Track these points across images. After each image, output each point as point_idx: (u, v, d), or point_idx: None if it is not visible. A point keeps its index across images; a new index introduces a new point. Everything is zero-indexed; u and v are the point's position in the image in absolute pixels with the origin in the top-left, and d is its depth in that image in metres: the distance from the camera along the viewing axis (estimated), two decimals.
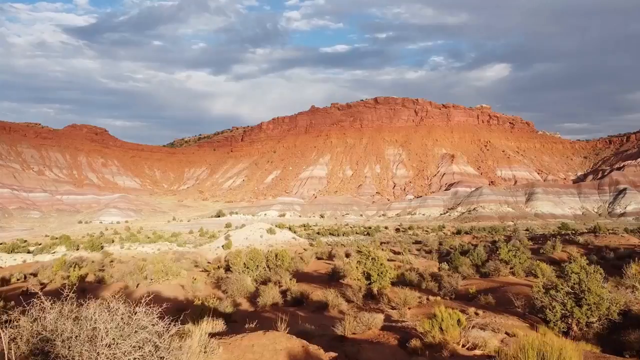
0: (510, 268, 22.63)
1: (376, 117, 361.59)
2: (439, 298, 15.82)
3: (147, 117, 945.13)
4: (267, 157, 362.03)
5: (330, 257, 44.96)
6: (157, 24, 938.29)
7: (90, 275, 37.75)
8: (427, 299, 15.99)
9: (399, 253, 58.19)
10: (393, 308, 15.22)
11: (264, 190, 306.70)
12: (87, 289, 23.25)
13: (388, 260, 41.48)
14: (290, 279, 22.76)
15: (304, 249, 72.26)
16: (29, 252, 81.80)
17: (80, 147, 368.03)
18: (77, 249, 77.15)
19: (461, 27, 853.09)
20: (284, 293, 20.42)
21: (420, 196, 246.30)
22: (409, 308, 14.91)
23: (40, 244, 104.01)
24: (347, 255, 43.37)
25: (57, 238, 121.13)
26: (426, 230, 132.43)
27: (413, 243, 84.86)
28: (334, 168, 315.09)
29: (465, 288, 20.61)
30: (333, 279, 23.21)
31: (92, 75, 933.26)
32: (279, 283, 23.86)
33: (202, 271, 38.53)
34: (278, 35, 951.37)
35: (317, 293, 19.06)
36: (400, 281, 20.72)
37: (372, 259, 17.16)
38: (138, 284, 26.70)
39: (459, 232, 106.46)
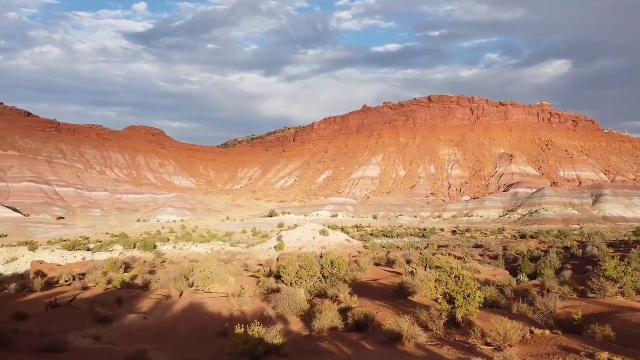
0: (620, 287, 18.48)
1: (430, 116, 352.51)
2: (547, 332, 12.20)
3: (201, 119, 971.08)
4: (319, 157, 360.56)
5: (389, 263, 41.44)
6: (211, 27, 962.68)
7: (140, 277, 36.21)
8: (531, 332, 12.41)
9: (460, 258, 53.91)
10: (488, 344, 11.78)
11: (316, 190, 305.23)
12: (123, 299, 21.07)
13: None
14: (351, 295, 19.58)
15: (359, 252, 69.03)
16: (88, 249, 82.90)
17: (139, 148, 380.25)
18: (134, 247, 77.33)
19: (517, 23, 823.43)
20: (343, 312, 17.30)
21: (478, 197, 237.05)
22: (511, 345, 11.44)
23: (100, 242, 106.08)
24: (409, 262, 39.77)
25: (116, 236, 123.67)
26: (485, 233, 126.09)
27: (474, 247, 79.78)
28: (387, 168, 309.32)
29: (565, 312, 16.74)
30: (400, 295, 19.83)
31: (150, 79, 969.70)
32: (337, 298, 20.75)
33: (252, 276, 36.11)
34: (329, 36, 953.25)
35: (385, 316, 15.81)
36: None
37: (455, 277, 13.72)
38: (181, 293, 24.42)
39: (523, 237, 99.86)
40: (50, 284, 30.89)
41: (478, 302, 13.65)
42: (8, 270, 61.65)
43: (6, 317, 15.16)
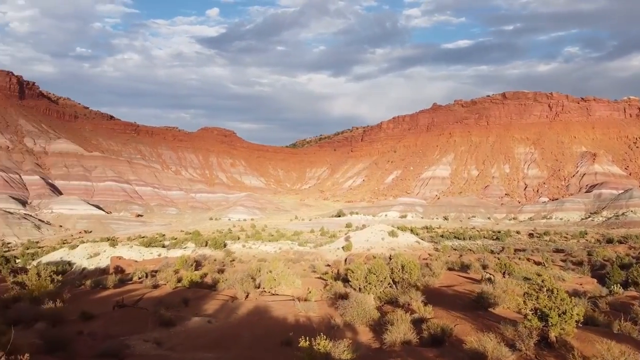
0: None
1: (504, 114, 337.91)
2: None
3: (270, 120, 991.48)
4: (387, 157, 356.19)
5: (463, 267, 39.15)
6: (280, 30, 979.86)
7: (209, 275, 36.47)
8: None
9: (539, 263, 50.33)
10: None
11: (384, 190, 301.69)
12: (189, 300, 20.79)
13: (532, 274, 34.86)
14: (424, 304, 18.10)
15: (429, 254, 66.58)
16: (163, 246, 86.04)
17: (211, 149, 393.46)
18: (205, 245, 79.22)
19: (599, 14, 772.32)
20: (416, 323, 15.90)
21: (557, 198, 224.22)
22: None
23: (175, 239, 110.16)
24: (484, 267, 37.35)
25: (189, 234, 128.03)
26: (565, 237, 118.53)
27: (554, 251, 74.78)
28: (458, 168, 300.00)
29: None
30: (480, 305, 18.08)
31: (222, 81, 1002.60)
32: (409, 306, 19.33)
33: (319, 278, 35.28)
34: (397, 34, 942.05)
35: (464, 330, 14.26)
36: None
37: (548, 290, 11.98)
38: (247, 295, 23.93)
39: (610, 241, 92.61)
40: (123, 281, 31.58)
41: (576, 321, 11.83)
42: (91, 264, 64.66)
43: (74, 316, 15.12)
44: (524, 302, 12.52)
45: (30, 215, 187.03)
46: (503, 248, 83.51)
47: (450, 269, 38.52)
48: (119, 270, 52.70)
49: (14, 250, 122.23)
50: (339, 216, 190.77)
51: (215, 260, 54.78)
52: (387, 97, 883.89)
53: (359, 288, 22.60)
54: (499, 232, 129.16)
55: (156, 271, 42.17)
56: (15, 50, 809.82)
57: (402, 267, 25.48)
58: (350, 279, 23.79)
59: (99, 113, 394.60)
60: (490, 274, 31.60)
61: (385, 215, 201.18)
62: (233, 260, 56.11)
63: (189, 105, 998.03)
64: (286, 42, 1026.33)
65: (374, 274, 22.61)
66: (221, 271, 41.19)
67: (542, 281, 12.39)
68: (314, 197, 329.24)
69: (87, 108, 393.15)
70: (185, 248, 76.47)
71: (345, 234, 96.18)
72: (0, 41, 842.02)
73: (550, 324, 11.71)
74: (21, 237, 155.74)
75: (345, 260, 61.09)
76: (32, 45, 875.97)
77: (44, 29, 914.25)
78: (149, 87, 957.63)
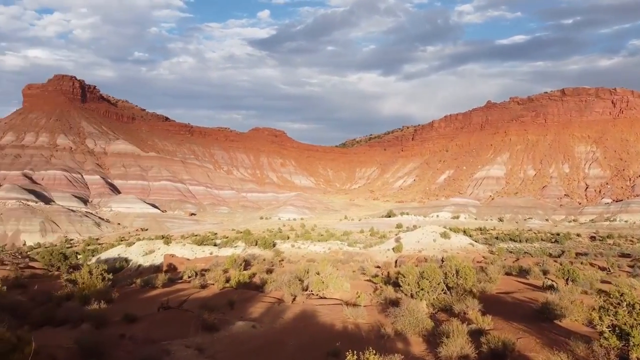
0: None
1: (563, 111, 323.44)
2: None
3: (320, 120, 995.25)
4: (439, 156, 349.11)
5: (522, 272, 37.05)
6: (330, 30, 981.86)
7: (258, 275, 36.25)
8: None
9: (604, 269, 47.10)
10: None
11: (436, 190, 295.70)
12: (235, 302, 20.32)
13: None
14: (482, 313, 16.82)
15: (484, 257, 64.02)
16: (215, 245, 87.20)
17: (262, 149, 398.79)
18: (255, 244, 79.65)
19: None
20: (473, 335, 14.68)
21: (621, 200, 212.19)
22: None
23: (226, 237, 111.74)
24: (545, 273, 35.15)
25: (240, 232, 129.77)
26: (631, 240, 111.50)
27: (619, 256, 70.14)
28: (514, 167, 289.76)
29: None
30: (544, 316, 16.59)
31: (272, 82, 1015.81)
32: (465, 315, 18.06)
33: (368, 280, 34.27)
34: (449, 31, 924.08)
35: (528, 345, 12.95)
36: None
37: (628, 305, 10.55)
38: (294, 298, 23.29)
39: None
40: (172, 280, 31.72)
41: None
42: (147, 261, 66.21)
43: (118, 317, 14.91)
44: (600, 317, 11.12)
45: (91, 213, 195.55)
46: (563, 252, 79.23)
47: (507, 274, 36.55)
48: (171, 267, 53.62)
49: (76, 246, 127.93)
50: (389, 216, 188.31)
51: (264, 260, 54.75)
52: (439, 95, 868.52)
53: (411, 294, 21.47)
54: (558, 234, 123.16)
55: (206, 270, 42.47)
56: (79, 56, 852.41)
57: (457, 272, 24.11)
58: (401, 284, 22.68)
59: (155, 115, 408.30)
60: (552, 281, 29.59)
61: (437, 216, 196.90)
62: (282, 260, 55.88)
63: (241, 106, 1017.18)
64: (336, 42, 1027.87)
65: (427, 279, 21.42)
66: (270, 271, 40.90)
67: (621, 294, 10.96)
68: (363, 197, 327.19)
69: (144, 110, 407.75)
70: (235, 247, 77.07)
71: (396, 234, 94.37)
72: (65, 47, 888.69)
73: (632, 344, 10.29)
74: (82, 233, 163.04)
75: (396, 262, 59.65)
76: (93, 51, 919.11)
77: (104, 35, 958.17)
78: (202, 89, 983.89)
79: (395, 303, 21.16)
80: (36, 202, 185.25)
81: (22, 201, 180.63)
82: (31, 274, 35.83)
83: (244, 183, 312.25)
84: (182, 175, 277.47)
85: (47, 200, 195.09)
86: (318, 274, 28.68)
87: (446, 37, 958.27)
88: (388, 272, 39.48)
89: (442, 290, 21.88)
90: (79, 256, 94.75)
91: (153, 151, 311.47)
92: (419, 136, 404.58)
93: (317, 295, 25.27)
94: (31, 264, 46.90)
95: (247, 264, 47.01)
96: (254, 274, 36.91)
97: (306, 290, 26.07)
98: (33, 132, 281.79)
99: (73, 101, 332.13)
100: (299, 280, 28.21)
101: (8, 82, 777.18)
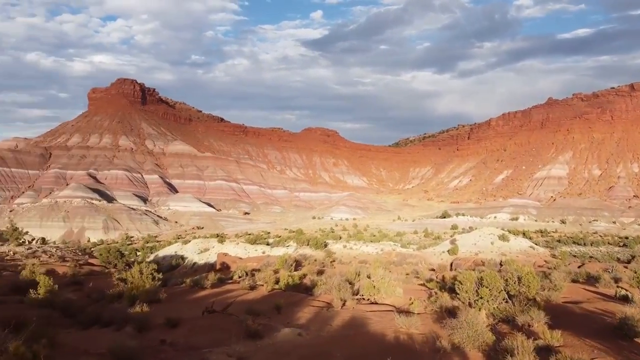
0: None
1: (632, 107, 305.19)
2: None
3: (373, 119, 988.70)
4: (497, 156, 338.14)
5: (589, 278, 34.36)
6: (383, 28, 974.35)
7: (308, 277, 35.64)
8: None
9: None
10: None
11: (493, 191, 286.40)
12: (282, 307, 19.61)
13: None
14: (549, 326, 15.26)
15: (545, 261, 60.73)
16: (267, 244, 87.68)
17: (314, 149, 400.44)
18: (307, 244, 79.39)
19: None
20: (540, 352, 13.22)
21: None
22: None
23: (279, 237, 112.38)
24: (616, 280, 32.41)
25: (293, 232, 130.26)
26: None
27: None
28: (577, 167, 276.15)
29: None
30: (622, 333, 14.81)
31: (325, 82, 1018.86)
32: (529, 328, 16.51)
33: (421, 285, 32.83)
34: (507, 26, 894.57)
35: None
36: None
37: None
38: (344, 302, 22.32)
39: None
40: (222, 280, 31.54)
41: None
42: (201, 259, 67.32)
43: (160, 320, 14.49)
44: None
45: (150, 212, 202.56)
46: (633, 257, 73.95)
47: (573, 281, 34.00)
48: (224, 266, 54.07)
49: (135, 243, 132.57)
50: (444, 217, 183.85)
51: (315, 260, 54.07)
52: (496, 92, 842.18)
53: (469, 302, 20.02)
54: (627, 238, 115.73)
55: (257, 270, 42.30)
56: (140, 61, 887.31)
57: (519, 279, 22.35)
58: (458, 291, 21.23)
59: (210, 116, 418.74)
60: (625, 290, 27.10)
61: (494, 217, 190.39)
62: (333, 261, 55.06)
63: (294, 107, 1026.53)
64: (389, 41, 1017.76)
65: (487, 287, 19.89)
66: (320, 272, 40.17)
67: None
68: (417, 197, 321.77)
69: (200, 111, 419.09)
70: (287, 246, 77.02)
71: (451, 236, 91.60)
72: (127, 53, 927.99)
73: None
74: (142, 231, 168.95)
75: (451, 265, 57.55)
76: (153, 55, 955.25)
77: (163, 40, 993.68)
78: (256, 90, 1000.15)
79: (451, 311, 19.78)
80: (100, 201, 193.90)
81: (87, 200, 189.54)
82: (89, 271, 36.78)
83: (297, 183, 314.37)
84: (236, 174, 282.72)
85: (110, 199, 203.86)
86: (369, 277, 27.63)
87: (504, 32, 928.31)
88: (443, 276, 37.81)
89: (503, 299, 20.27)
90: (138, 253, 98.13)
91: (209, 151, 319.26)
92: (475, 135, 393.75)
93: (367, 300, 24.22)
94: (90, 260, 48.46)
95: (298, 264, 46.53)
96: (304, 275, 36.30)
97: (356, 294, 25.06)
98: (97, 133, 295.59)
99: (134, 104, 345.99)
100: (350, 283, 27.26)
101: (76, 86, 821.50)
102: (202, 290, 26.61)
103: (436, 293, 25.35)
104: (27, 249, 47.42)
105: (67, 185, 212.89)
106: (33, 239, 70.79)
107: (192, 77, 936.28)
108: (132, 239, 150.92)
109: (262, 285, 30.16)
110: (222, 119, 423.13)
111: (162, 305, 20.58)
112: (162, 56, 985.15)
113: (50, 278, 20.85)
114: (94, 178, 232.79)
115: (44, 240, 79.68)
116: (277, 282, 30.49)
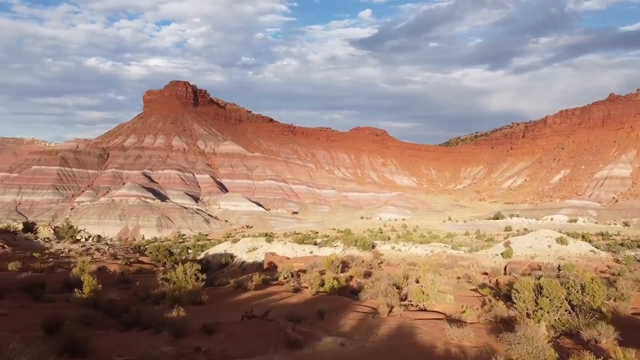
0: None
1: None
2: None
3: (422, 118, 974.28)
4: (553, 155, 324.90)
5: None
6: (433, 25, 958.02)
7: (355, 279, 34.78)
8: None
9: None
10: None
11: (549, 191, 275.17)
12: (325, 313, 18.77)
13: None
14: (620, 345, 13.66)
15: (608, 267, 57.05)
16: (315, 244, 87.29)
17: (362, 148, 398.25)
18: (355, 244, 78.43)
19: None
20: None
21: None
22: None
23: (327, 237, 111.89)
24: None
25: (341, 232, 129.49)
26: None
27: None
28: None
29: None
30: None
31: (374, 81, 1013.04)
32: (596, 344, 14.92)
33: (474, 290, 31.17)
34: (565, 20, 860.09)
35: None
36: None
37: None
38: (391, 309, 21.24)
39: None
40: (267, 281, 31.07)
41: None
42: (250, 258, 67.65)
43: (198, 325, 13.98)
44: None
45: (201, 210, 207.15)
46: None
47: None
48: (271, 266, 53.95)
49: (187, 241, 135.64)
50: (497, 218, 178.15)
51: (362, 262, 53.02)
52: (552, 89, 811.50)
53: (527, 313, 18.50)
54: None
55: (303, 271, 41.72)
56: (192, 63, 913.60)
57: (582, 287, 20.53)
58: (514, 300, 19.70)
59: (260, 116, 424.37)
60: None
61: (551, 219, 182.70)
62: (381, 263, 53.87)
63: (342, 106, 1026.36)
64: (439, 38, 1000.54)
65: (547, 297, 18.31)
66: (368, 274, 39.14)
67: None
68: (468, 197, 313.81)
69: (250, 112, 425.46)
70: (335, 247, 76.26)
71: (505, 238, 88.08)
72: (181, 56, 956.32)
73: None
74: (193, 229, 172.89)
75: (505, 269, 55.08)
76: (206, 58, 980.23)
77: (215, 43, 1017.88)
78: (304, 90, 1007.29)
79: (507, 322, 18.34)
80: (153, 200, 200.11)
81: (142, 198, 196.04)
82: (138, 269, 37.26)
83: (345, 182, 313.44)
84: (285, 174, 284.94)
85: (163, 198, 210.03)
86: (418, 281, 26.35)
87: (561, 26, 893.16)
88: (497, 281, 35.94)
89: (565, 310, 18.62)
90: (189, 251, 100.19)
91: (258, 151, 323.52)
92: (530, 133, 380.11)
93: (416, 306, 23.01)
94: (141, 258, 49.40)
95: (345, 265, 45.66)
96: (350, 277, 35.40)
97: (404, 300, 23.88)
98: (152, 134, 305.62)
99: (186, 105, 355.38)
100: (397, 287, 26.10)
101: (132, 89, 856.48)
102: (245, 292, 26.17)
103: (490, 301, 23.82)
104: (82, 247, 48.94)
105: (123, 184, 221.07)
106: (89, 236, 73.34)
107: (242, 78, 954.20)
108: (184, 237, 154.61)
109: (307, 287, 29.47)
110: (271, 119, 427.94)
111: (203, 307, 20.19)
112: (213, 58, 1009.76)
113: (94, 277, 20.90)
114: (149, 177, 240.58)
115: (99, 238, 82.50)
116: (322, 284, 29.71)
